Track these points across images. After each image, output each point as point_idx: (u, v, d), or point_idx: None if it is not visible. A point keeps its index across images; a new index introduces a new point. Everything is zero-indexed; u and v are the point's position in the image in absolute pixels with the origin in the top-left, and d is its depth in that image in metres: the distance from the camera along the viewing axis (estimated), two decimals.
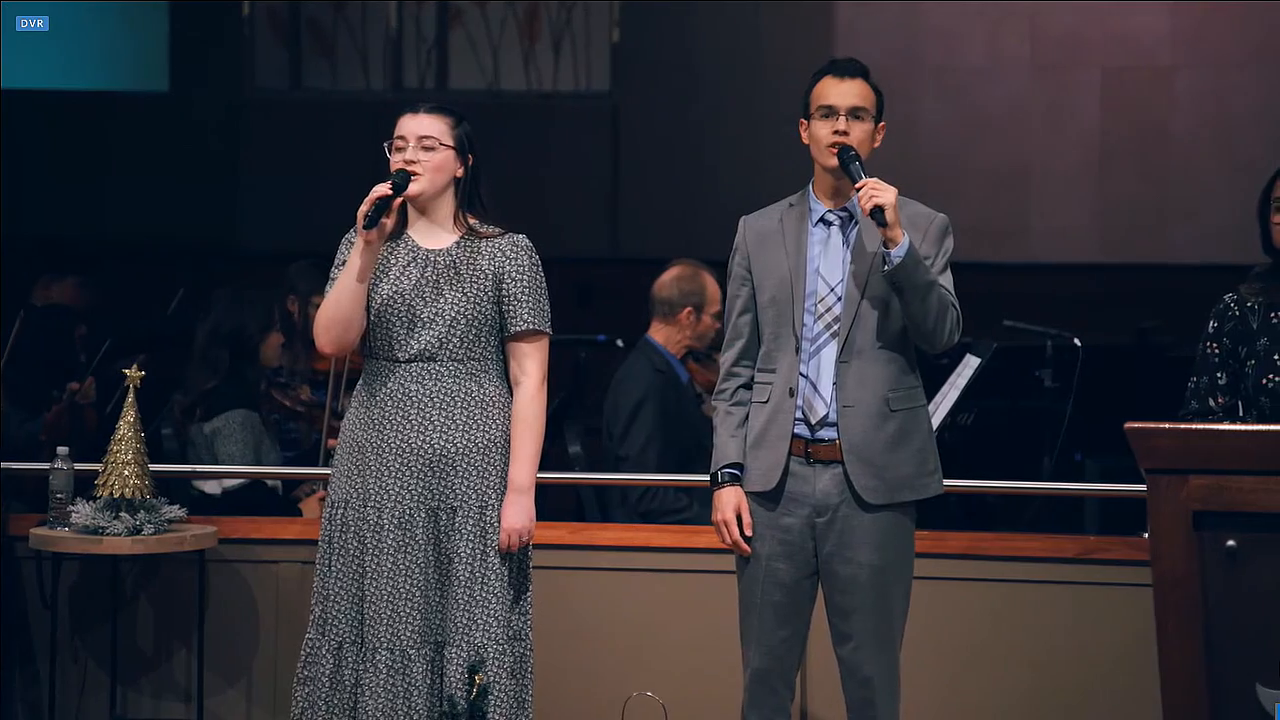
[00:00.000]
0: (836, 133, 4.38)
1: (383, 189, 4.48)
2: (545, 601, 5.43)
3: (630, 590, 5.45)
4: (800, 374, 4.39)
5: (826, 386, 4.39)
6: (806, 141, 4.47)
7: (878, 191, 4.30)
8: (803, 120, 4.47)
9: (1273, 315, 4.42)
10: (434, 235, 4.60)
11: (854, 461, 4.38)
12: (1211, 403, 4.45)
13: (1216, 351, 4.45)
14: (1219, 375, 4.44)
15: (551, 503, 7.06)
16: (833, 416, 4.39)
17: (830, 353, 4.40)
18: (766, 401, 4.43)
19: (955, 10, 10.17)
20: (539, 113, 10.58)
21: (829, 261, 4.43)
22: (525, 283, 4.58)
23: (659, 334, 6.33)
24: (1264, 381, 4.39)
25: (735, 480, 4.46)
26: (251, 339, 6.36)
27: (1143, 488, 4.06)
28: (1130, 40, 10.04)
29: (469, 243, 4.58)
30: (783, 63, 10.01)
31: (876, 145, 4.47)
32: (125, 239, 10.22)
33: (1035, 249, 10.06)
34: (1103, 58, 10.08)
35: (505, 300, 4.58)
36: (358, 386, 4.65)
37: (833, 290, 4.41)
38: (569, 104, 10.61)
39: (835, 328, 4.40)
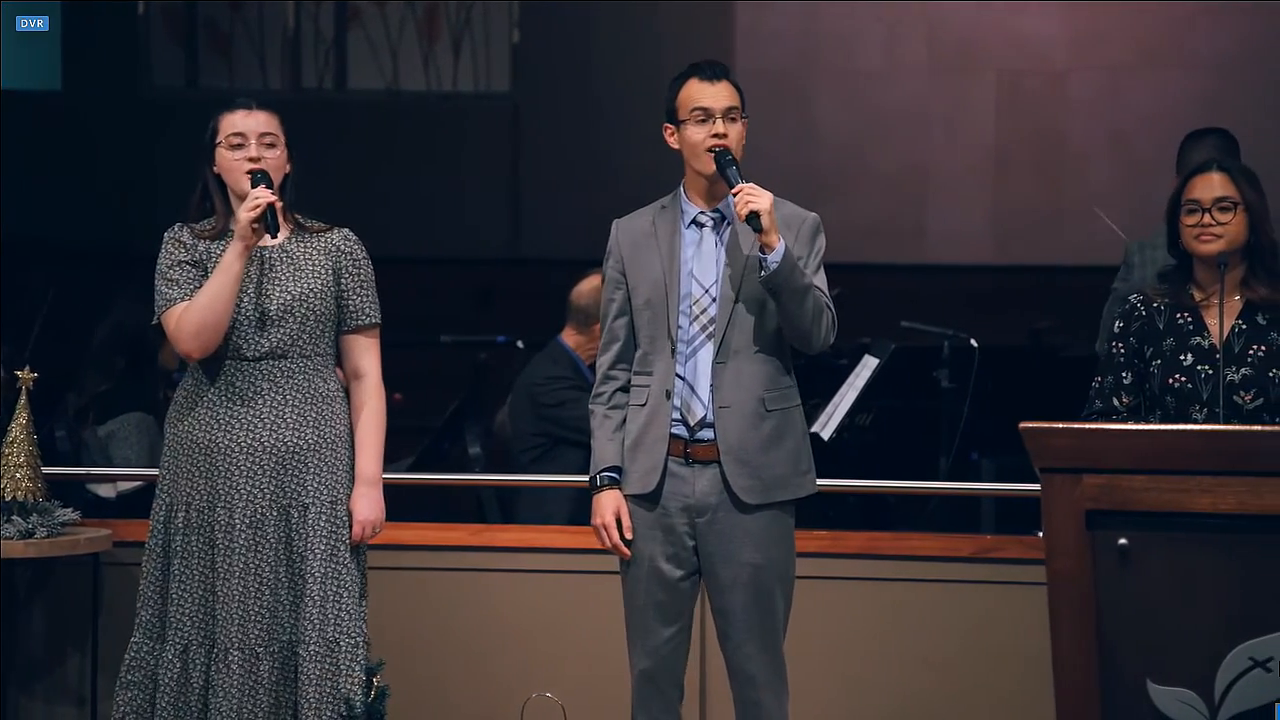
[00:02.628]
0: (715, 135, 4.40)
1: (267, 194, 4.47)
2: (445, 603, 5.42)
3: (530, 591, 5.45)
4: (677, 376, 4.42)
5: (704, 388, 4.41)
6: (675, 146, 4.48)
7: (754, 197, 4.31)
8: (668, 125, 4.47)
9: (1179, 316, 4.47)
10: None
11: (731, 462, 4.40)
12: (1116, 402, 4.50)
13: (1122, 351, 4.50)
14: (1124, 375, 4.49)
15: (452, 505, 7.04)
16: (710, 418, 4.41)
17: (707, 354, 4.42)
18: (644, 404, 4.45)
19: (852, 13, 10.23)
20: (439, 113, 10.54)
21: (703, 263, 4.44)
22: (363, 276, 4.62)
23: (571, 339, 6.35)
24: (1170, 381, 4.44)
25: (614, 483, 4.47)
26: (150, 342, 6.30)
27: (1037, 487, 4.11)
28: (1025, 44, 10.14)
29: (301, 238, 4.59)
30: (683, 64, 10.01)
31: (743, 143, 4.49)
32: (17, 239, 10.08)
33: (932, 250, 10.14)
34: (998, 61, 10.17)
35: (345, 294, 4.60)
36: (189, 386, 4.60)
37: (707, 292, 4.43)
38: (469, 104, 10.58)
39: (711, 329, 4.42)
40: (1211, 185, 4.45)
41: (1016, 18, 10.15)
